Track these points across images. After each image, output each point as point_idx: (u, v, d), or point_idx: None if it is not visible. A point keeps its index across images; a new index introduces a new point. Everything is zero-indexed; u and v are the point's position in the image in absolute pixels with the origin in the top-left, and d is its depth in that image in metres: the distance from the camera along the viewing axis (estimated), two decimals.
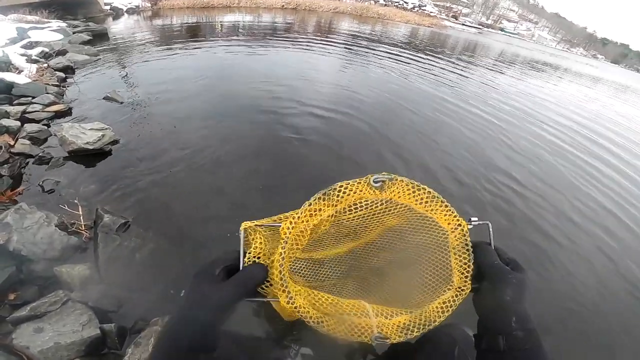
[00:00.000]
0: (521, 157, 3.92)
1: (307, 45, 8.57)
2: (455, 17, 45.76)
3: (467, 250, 0.58)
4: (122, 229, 1.92)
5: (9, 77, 3.62)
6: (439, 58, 10.33)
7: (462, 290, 0.58)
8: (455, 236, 0.60)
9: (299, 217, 0.56)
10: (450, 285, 0.59)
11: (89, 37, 7.16)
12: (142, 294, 1.60)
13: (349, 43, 10.06)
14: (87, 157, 2.48)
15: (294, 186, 2.48)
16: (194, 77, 4.76)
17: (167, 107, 3.55)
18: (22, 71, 4.28)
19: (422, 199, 0.59)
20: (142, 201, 2.13)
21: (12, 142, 2.57)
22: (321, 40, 9.74)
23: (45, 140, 2.74)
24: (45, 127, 2.90)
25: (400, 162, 3.11)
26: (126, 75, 4.64)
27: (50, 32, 6.81)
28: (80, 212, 1.93)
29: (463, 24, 41.26)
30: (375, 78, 6.30)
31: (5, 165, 2.31)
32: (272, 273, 0.54)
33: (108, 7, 16.23)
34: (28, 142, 2.62)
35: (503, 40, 33.79)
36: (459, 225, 0.59)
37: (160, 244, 1.87)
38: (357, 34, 13.02)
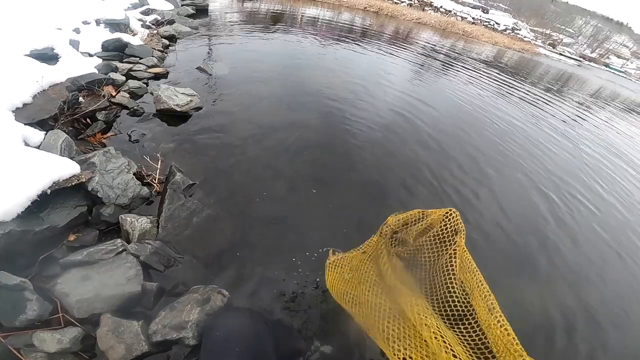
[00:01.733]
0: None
1: (382, 50, 8.50)
2: (553, 46, 41.33)
3: None
4: (189, 190, 2.03)
5: (125, 37, 4.12)
6: (521, 84, 9.46)
7: None
8: None
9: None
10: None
11: (193, 11, 7.94)
12: (189, 260, 1.64)
13: (426, 55, 9.73)
14: (173, 117, 2.74)
15: (346, 187, 2.51)
16: (274, 62, 5.07)
17: (248, 86, 3.82)
18: (136, 34, 4.82)
19: None
20: (211, 168, 2.27)
21: (114, 93, 2.91)
22: (397, 47, 9.59)
23: (142, 96, 3.07)
24: (145, 85, 3.25)
25: (450, 193, 2.85)
26: (217, 51, 5.08)
27: (164, 1, 7.48)
28: (158, 166, 2.09)
29: (561, 54, 37.09)
30: (446, 94, 6.07)
31: (103, 112, 2.62)
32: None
33: None
34: (127, 95, 2.97)
35: (605, 77, 27.75)
36: None
37: (218, 213, 1.94)
38: (436, 47, 12.47)
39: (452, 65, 9.15)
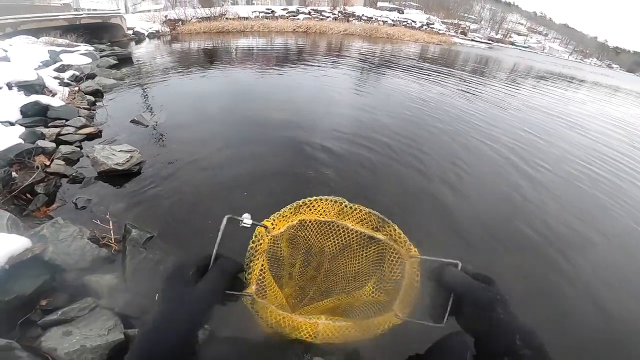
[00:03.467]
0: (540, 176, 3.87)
1: (320, 67, 8.83)
2: (464, 34, 46.32)
3: (417, 282, 0.64)
4: (148, 242, 2.09)
5: (44, 100, 3.89)
6: (450, 74, 10.51)
7: (397, 317, 0.64)
8: (412, 265, 0.65)
9: (274, 220, 0.67)
10: (391, 309, 0.65)
11: (115, 62, 7.59)
12: None
13: (360, 63, 10.32)
14: (117, 176, 2.71)
15: None
16: (213, 101, 5.07)
17: (189, 129, 3.81)
18: (55, 94, 4.60)
19: (376, 225, 0.71)
20: (166, 217, 2.33)
21: (47, 162, 2.80)
22: (333, 61, 10.01)
23: (78, 160, 2.98)
24: (78, 149, 3.15)
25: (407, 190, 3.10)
26: (150, 99, 4.99)
27: (79, 55, 7.19)
28: (111, 227, 2.12)
29: (472, 40, 41.64)
30: (386, 97, 6.44)
31: (42, 184, 2.54)
32: (250, 266, 0.58)
33: (131, 32, 17.21)
34: (62, 162, 2.86)
35: (514, 54, 33.43)
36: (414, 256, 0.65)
37: (182, 258, 1.99)
38: (367, 54, 13.34)
39: (386, 68, 9.96)
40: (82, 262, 1.88)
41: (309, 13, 29.57)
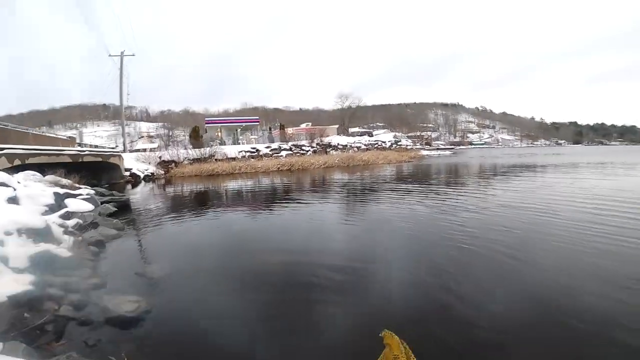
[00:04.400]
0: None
1: (307, 204, 9.39)
2: (429, 144, 51.88)
3: None
4: None
5: (52, 249, 4.28)
6: (427, 190, 11.27)
7: None
8: None
9: None
10: None
11: (114, 209, 8.35)
12: None
13: (343, 195, 11.01)
14: (125, 321, 3.03)
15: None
16: (211, 248, 5.52)
17: (190, 279, 4.15)
18: (61, 243, 5.02)
19: None
20: (177, 357, 2.60)
21: (57, 307, 3.10)
22: (319, 197, 10.70)
23: (86, 306, 3.28)
24: (85, 297, 3.45)
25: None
26: (151, 250, 5.59)
27: (82, 201, 7.83)
28: None
29: (438, 149, 46.63)
30: (373, 224, 6.71)
31: (52, 324, 2.82)
32: None
33: (127, 173, 18.90)
34: (71, 308, 3.18)
35: (476, 154, 36.44)
36: None
37: None
38: (349, 184, 14.35)
39: (368, 195, 10.75)
40: None
41: (290, 149, 33.24)
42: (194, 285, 3.97)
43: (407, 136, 57.65)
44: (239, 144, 37.07)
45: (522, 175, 15.43)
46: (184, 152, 27.34)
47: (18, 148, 10.94)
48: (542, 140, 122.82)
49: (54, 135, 18.42)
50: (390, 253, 4.83)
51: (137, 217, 8.01)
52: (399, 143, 46.22)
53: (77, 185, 10.55)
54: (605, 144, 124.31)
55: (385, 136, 49.98)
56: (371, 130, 57.11)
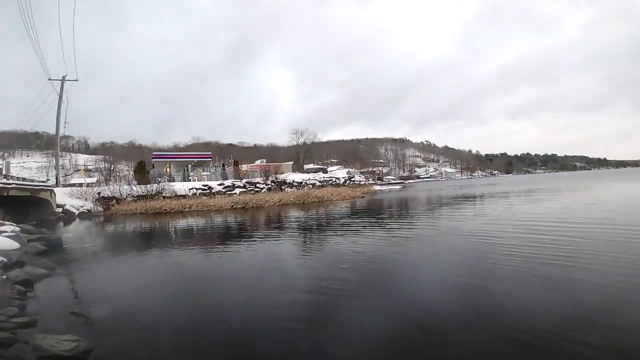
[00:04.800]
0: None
1: (262, 241, 9.37)
2: (381, 179, 54.40)
3: None
4: None
5: None
6: (380, 224, 11.80)
7: None
8: None
9: None
10: None
11: (43, 247, 7.65)
12: None
13: (299, 233, 10.92)
14: None
15: None
16: (156, 290, 5.16)
17: (133, 319, 3.89)
18: None
19: None
20: None
21: None
22: (274, 235, 10.53)
23: (13, 345, 3.02)
24: (13, 335, 3.19)
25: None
26: (87, 290, 5.16)
27: (5, 238, 7.18)
28: None
29: (389, 183, 49.06)
30: (329, 258, 6.85)
31: None
32: None
33: (60, 209, 17.18)
34: None
35: (423, 188, 39.22)
36: None
37: None
38: (304, 222, 14.30)
39: (324, 232, 10.80)
40: None
41: (244, 186, 32.63)
42: (137, 326, 3.69)
43: (360, 172, 60.21)
44: (189, 180, 35.63)
45: (463, 206, 17.07)
46: (127, 188, 25.64)
47: None
48: (479, 172, 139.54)
49: None
50: (343, 285, 4.92)
51: (71, 256, 7.33)
52: (352, 179, 47.68)
53: (1, 221, 9.62)
54: (532, 173, 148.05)
55: (339, 172, 51.42)
56: (325, 167, 58.61)
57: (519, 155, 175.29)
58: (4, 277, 5.02)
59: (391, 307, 4.13)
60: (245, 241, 9.56)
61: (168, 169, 39.64)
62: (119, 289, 5.17)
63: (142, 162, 44.14)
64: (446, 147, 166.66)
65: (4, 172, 17.98)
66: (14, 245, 6.99)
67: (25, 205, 14.13)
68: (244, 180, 34.99)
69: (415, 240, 8.29)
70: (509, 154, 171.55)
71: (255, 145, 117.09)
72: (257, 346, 3.19)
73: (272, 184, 35.25)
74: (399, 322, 3.66)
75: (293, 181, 38.12)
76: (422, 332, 3.30)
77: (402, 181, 58.02)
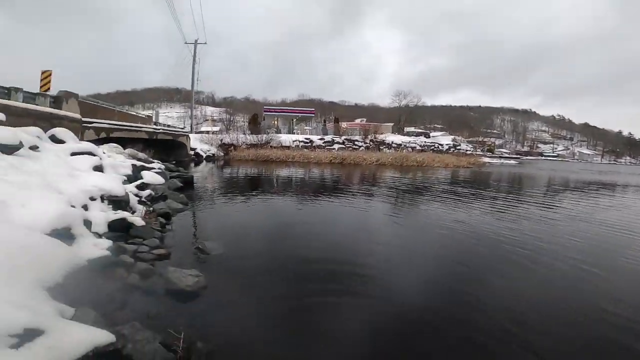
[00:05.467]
0: None
1: (355, 198, 9.39)
2: (491, 151, 47.35)
3: None
4: (211, 355, 2.41)
5: (129, 218, 4.64)
6: (487, 198, 10.40)
7: None
8: None
9: None
10: None
11: (180, 184, 8.94)
12: None
13: (393, 193, 10.72)
14: (184, 295, 3.17)
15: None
16: (264, 233, 5.71)
17: (243, 260, 4.29)
18: (135, 211, 5.43)
19: None
20: (226, 336, 2.67)
21: (126, 275, 3.36)
22: (367, 194, 10.48)
23: (151, 277, 3.48)
24: (152, 267, 3.69)
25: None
26: (210, 227, 5.88)
27: (155, 174, 8.51)
28: (182, 337, 2.44)
29: (501, 157, 42.24)
30: (423, 228, 6.43)
31: (121, 292, 3.04)
32: None
33: (192, 152, 20.35)
34: (138, 276, 3.40)
35: (546, 166, 32.34)
36: None
37: None
38: (400, 183, 13.86)
39: (422, 199, 10.17)
40: None
41: (343, 143, 33.16)
42: (245, 266, 4.08)
43: (468, 141, 52.87)
44: (293, 133, 37.83)
45: (596, 194, 13.41)
46: (242, 137, 28.73)
47: (104, 123, 12.37)
48: (628, 158, 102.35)
49: (135, 113, 20.54)
50: (434, 257, 4.81)
51: (199, 194, 8.56)
52: (458, 147, 43.03)
53: (151, 159, 11.55)
54: None
55: (443, 139, 46.61)
56: (428, 132, 53.80)
57: None
58: (151, 208, 5.84)
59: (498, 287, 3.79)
60: (339, 196, 9.75)
61: (276, 122, 42.68)
62: (232, 229, 5.78)
63: (256, 114, 48.31)
64: (585, 125, 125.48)
65: (153, 120, 22.17)
66: (161, 180, 8.24)
67: (168, 148, 16.99)
68: (343, 137, 35.31)
69: (529, 219, 7.08)
70: None
71: (356, 104, 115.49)
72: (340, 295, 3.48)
73: (371, 143, 35.07)
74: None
75: (392, 142, 37.08)
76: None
77: (518, 156, 47.88)
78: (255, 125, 37.98)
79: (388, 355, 2.63)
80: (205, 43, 33.94)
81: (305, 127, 43.87)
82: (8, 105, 7.48)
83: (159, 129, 17.22)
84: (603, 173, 30.83)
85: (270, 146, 27.15)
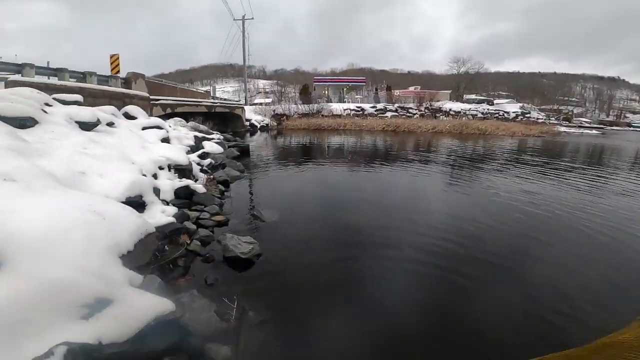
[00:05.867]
0: None
1: (409, 166, 8.96)
2: (568, 120, 40.98)
3: None
4: (262, 324, 2.47)
5: (192, 185, 4.88)
6: (556, 172, 8.85)
7: None
8: None
9: None
10: None
11: (237, 153, 9.35)
12: None
13: (451, 163, 9.81)
14: (240, 263, 3.29)
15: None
16: (316, 201, 5.72)
17: (296, 228, 4.37)
18: (197, 180, 5.73)
19: None
20: (279, 304, 2.71)
21: (188, 241, 3.56)
22: (422, 162, 9.88)
23: (210, 243, 3.68)
24: (211, 233, 3.90)
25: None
26: (265, 194, 6.02)
27: (214, 144, 8.90)
28: (235, 306, 2.55)
29: (580, 126, 36.58)
30: (483, 204, 5.73)
31: (182, 259, 3.23)
32: None
33: (247, 123, 21.09)
34: (199, 243, 3.59)
35: (635, 138, 26.57)
36: None
37: (292, 343, 2.34)
38: (459, 152, 12.73)
39: (480, 170, 9.15)
40: (206, 331, 2.23)
41: (396, 110, 31.48)
42: (298, 234, 4.13)
43: (540, 109, 45.77)
44: (345, 102, 37.01)
45: None
46: (294, 107, 28.83)
47: (169, 99, 13.32)
48: None
49: (195, 90, 21.76)
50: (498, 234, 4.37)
51: (255, 162, 8.85)
52: (527, 115, 37.50)
53: (211, 131, 12.09)
54: None
55: (509, 106, 40.28)
56: (492, 99, 47.84)
57: None
58: (212, 176, 6.15)
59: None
60: (391, 164, 9.46)
61: (326, 92, 42.02)
62: (286, 196, 5.86)
63: (306, 85, 47.93)
64: None
65: (211, 95, 23.33)
66: (219, 149, 8.60)
67: (225, 119, 17.88)
68: (396, 105, 33.61)
69: (610, 196, 6.08)
70: None
71: (409, 72, 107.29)
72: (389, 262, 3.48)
73: (426, 110, 32.73)
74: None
75: (450, 110, 33.98)
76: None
77: (601, 126, 40.02)
78: (306, 95, 37.76)
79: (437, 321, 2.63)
80: (252, 18, 33.74)
81: (356, 96, 42.51)
82: (84, 87, 8.28)
83: (216, 103, 18.08)
84: None
85: (322, 115, 26.96)
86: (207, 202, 4.68)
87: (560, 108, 47.86)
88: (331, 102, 35.10)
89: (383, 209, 5.21)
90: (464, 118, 31.21)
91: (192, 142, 8.07)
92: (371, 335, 2.43)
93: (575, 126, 36.61)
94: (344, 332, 2.43)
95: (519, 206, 5.35)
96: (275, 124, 24.43)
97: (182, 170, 5.67)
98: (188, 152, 7.07)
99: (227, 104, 20.99)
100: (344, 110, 29.15)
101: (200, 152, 7.61)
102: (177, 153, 6.08)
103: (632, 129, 43.12)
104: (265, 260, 3.41)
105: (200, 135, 9.39)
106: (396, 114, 30.68)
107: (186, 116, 12.47)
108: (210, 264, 3.27)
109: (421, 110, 32.57)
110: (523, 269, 3.45)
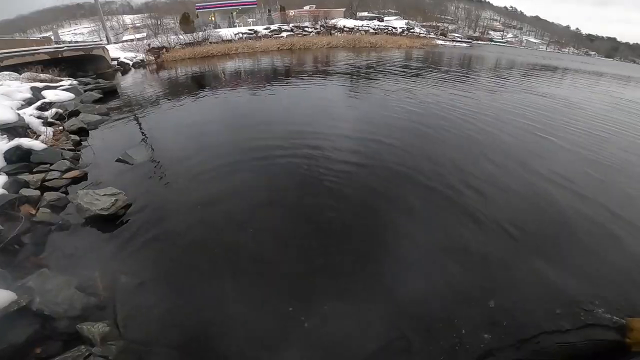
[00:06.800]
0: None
1: (309, 83, 8.67)
2: (444, 35, 47.57)
3: None
4: (139, 288, 2.05)
5: (26, 143, 3.72)
6: (437, 75, 10.37)
7: None
8: None
9: None
10: None
11: (99, 95, 7.53)
12: (160, 349, 1.71)
13: (348, 75, 10.09)
14: (103, 222, 2.61)
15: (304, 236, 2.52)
16: (204, 128, 4.91)
17: (179, 164, 3.66)
18: (39, 135, 4.44)
19: None
20: (156, 261, 2.26)
21: (33, 211, 2.70)
22: (322, 75, 9.81)
23: (65, 207, 2.87)
24: (64, 195, 3.03)
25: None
26: (137, 134, 4.92)
27: (62, 91, 7.16)
28: (97, 275, 2.09)
29: (453, 40, 42.90)
30: (382, 106, 6.11)
31: (28, 234, 2.47)
32: None
33: (115, 62, 17.32)
34: (48, 210, 2.76)
35: (495, 50, 34.01)
36: None
37: (176, 302, 1.99)
38: (354, 64, 13.28)
39: (378, 77, 9.80)
40: (71, 311, 1.89)
41: (292, 30, 29.98)
42: (182, 171, 3.47)
43: (422, 25, 51.25)
44: (235, 26, 33.32)
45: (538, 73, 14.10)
46: (174, 38, 24.77)
47: None
48: (570, 48, 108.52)
49: (25, 38, 17.32)
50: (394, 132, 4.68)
51: (125, 101, 7.15)
52: (411, 30, 41.34)
53: (58, 78, 9.70)
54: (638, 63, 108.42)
55: (396, 22, 44.33)
56: (382, 16, 50.27)
57: (630, 43, 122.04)
58: (61, 127, 4.89)
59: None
60: (291, 81, 8.99)
61: (213, 18, 37.36)
62: (168, 132, 4.92)
63: (186, 13, 41.89)
64: (536, 18, 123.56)
65: (54, 40, 18.63)
66: (70, 96, 6.94)
67: (82, 63, 14.80)
68: (291, 25, 32.03)
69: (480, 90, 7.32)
70: (619, 39, 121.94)
71: None
72: (291, 187, 3.22)
73: (321, 28, 32.29)
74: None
75: (344, 26, 34.29)
76: None
77: (469, 40, 48.27)
78: (187, 24, 32.77)
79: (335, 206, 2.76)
80: None
81: (248, 20, 38.93)
82: None
83: (62, 47, 14.44)
84: (547, 58, 32.01)
85: (210, 42, 23.77)
86: (53, 159, 3.65)
87: (438, 25, 53.91)
88: (220, 28, 31.29)
89: (278, 127, 4.88)
90: (357, 34, 32.20)
91: (28, 95, 6.35)
92: (262, 276, 2.21)
93: (449, 40, 42.32)
94: (237, 284, 2.13)
95: (402, 105, 5.96)
96: (153, 58, 20.77)
97: (13, 129, 4.37)
98: (22, 107, 5.55)
99: (80, 46, 17.03)
100: (235, 34, 26.12)
101: (39, 103, 5.93)
102: (2, 111, 4.57)
103: (493, 43, 54.08)
104: (136, 210, 2.79)
105: (41, 85, 7.46)
106: (292, 33, 29.20)
107: (18, 68, 9.67)
108: (67, 232, 2.56)
109: (317, 29, 32.06)
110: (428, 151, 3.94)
